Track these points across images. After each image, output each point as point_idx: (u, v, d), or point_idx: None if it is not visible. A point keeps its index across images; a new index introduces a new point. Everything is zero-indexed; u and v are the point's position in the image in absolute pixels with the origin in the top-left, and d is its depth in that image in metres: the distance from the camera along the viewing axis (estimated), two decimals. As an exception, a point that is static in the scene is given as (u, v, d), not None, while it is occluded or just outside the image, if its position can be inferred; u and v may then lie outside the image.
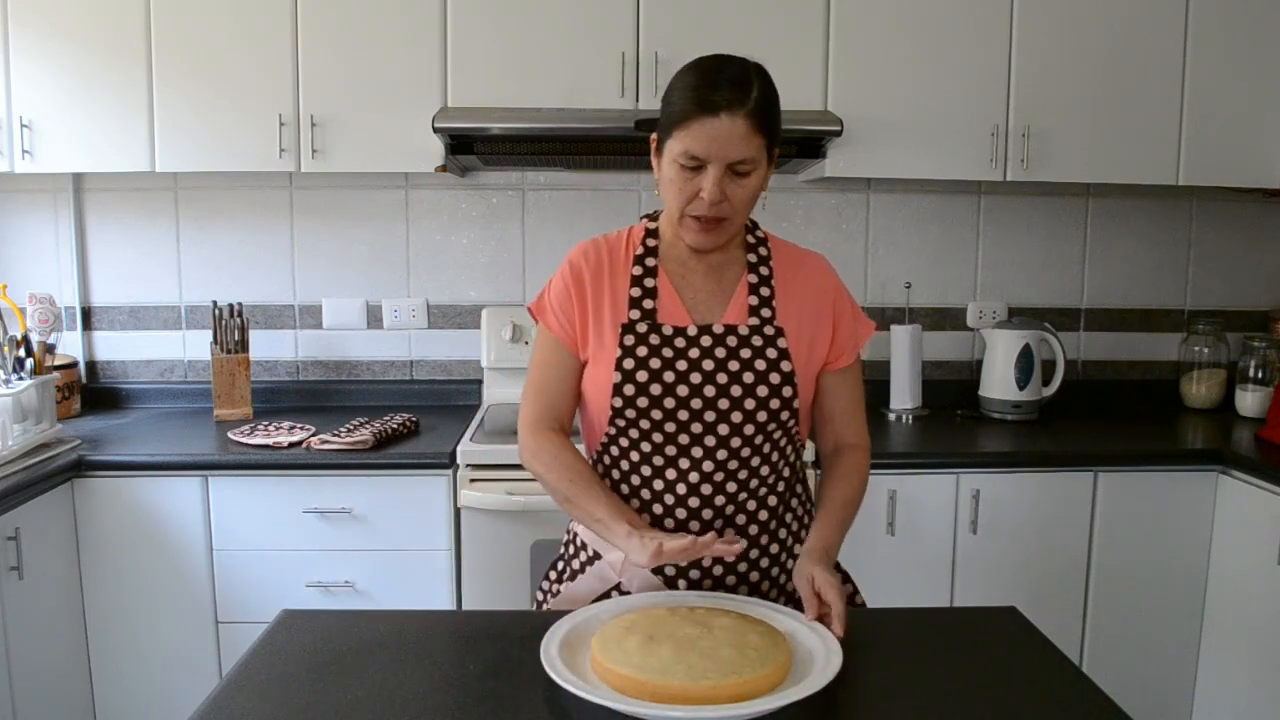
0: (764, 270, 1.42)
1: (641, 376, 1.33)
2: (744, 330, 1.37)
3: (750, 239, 1.46)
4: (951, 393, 2.85)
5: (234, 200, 2.80)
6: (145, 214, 2.80)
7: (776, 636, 1.09)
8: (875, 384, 2.84)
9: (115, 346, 2.85)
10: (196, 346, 2.84)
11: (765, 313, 1.39)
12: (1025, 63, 2.48)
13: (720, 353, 1.35)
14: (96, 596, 2.24)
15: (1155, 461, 2.32)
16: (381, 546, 2.26)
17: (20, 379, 2.24)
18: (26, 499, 2.01)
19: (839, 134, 2.39)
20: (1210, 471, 2.32)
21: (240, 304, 2.70)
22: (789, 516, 1.42)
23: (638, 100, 2.41)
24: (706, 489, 1.34)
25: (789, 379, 1.35)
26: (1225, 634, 2.30)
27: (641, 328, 1.36)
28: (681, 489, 1.34)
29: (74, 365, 2.74)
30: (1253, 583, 2.19)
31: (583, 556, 1.43)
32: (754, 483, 1.36)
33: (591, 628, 1.15)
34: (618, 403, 1.33)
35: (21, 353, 2.29)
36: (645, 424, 1.33)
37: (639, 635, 1.07)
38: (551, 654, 1.06)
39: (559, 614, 1.21)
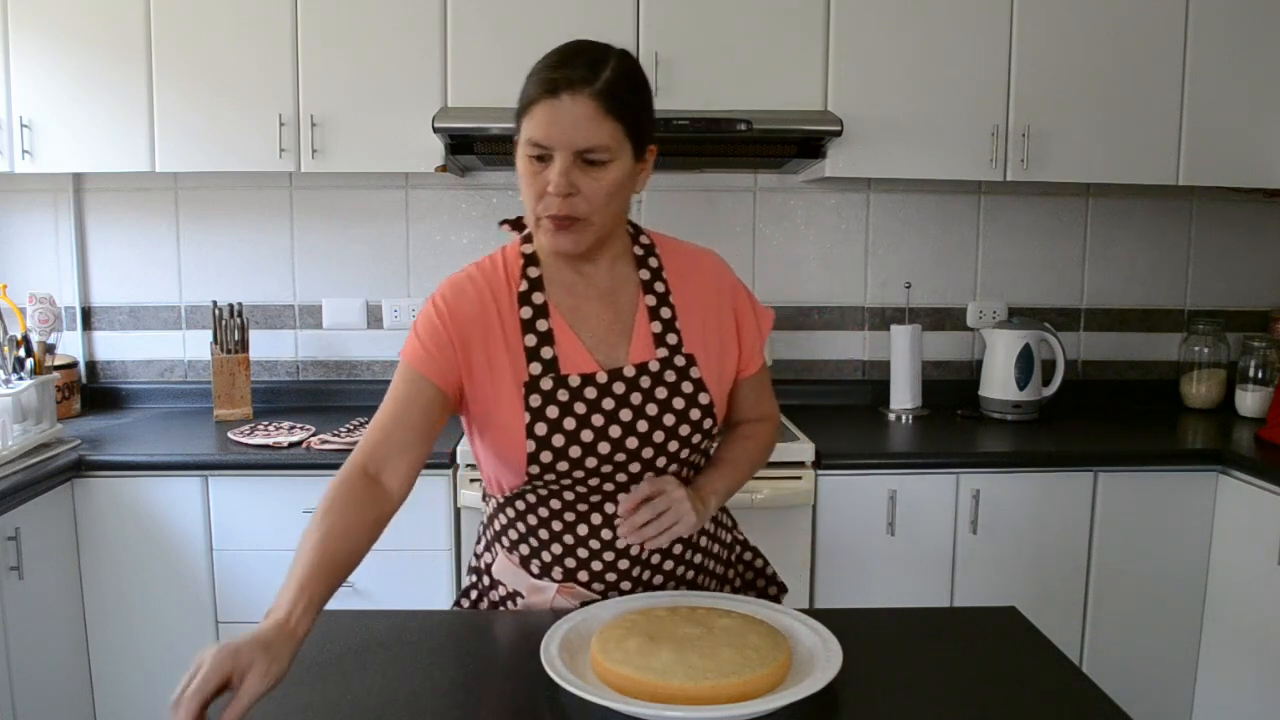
0: (659, 286, 1.31)
1: (558, 441, 1.21)
2: (654, 366, 1.27)
3: (638, 250, 1.33)
4: (951, 393, 2.85)
5: (234, 200, 2.80)
6: (145, 214, 2.80)
7: (776, 637, 1.09)
8: (875, 384, 2.86)
9: (115, 346, 2.85)
10: (196, 346, 2.84)
11: (671, 339, 1.29)
12: (1025, 63, 2.48)
13: (636, 398, 1.25)
14: (96, 596, 2.24)
15: (1155, 461, 2.32)
16: (381, 546, 2.22)
17: (20, 379, 2.24)
18: (26, 499, 2.01)
19: (839, 134, 2.39)
20: (1210, 471, 2.31)
21: (240, 304, 2.70)
22: (701, 539, 1.36)
23: (638, 100, 2.41)
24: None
25: (709, 410, 1.28)
26: (1225, 634, 2.30)
27: (546, 384, 1.23)
28: (606, 534, 1.27)
29: (74, 365, 2.74)
30: (1253, 583, 2.19)
31: (500, 592, 1.37)
32: None
33: (591, 628, 1.15)
34: (534, 470, 1.22)
35: (21, 353, 2.29)
36: (565, 482, 1.24)
37: (639, 635, 1.07)
38: (551, 654, 1.06)
39: (559, 614, 1.21)
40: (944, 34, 2.46)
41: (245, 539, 2.24)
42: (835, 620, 1.16)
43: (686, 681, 0.99)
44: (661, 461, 1.27)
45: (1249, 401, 2.69)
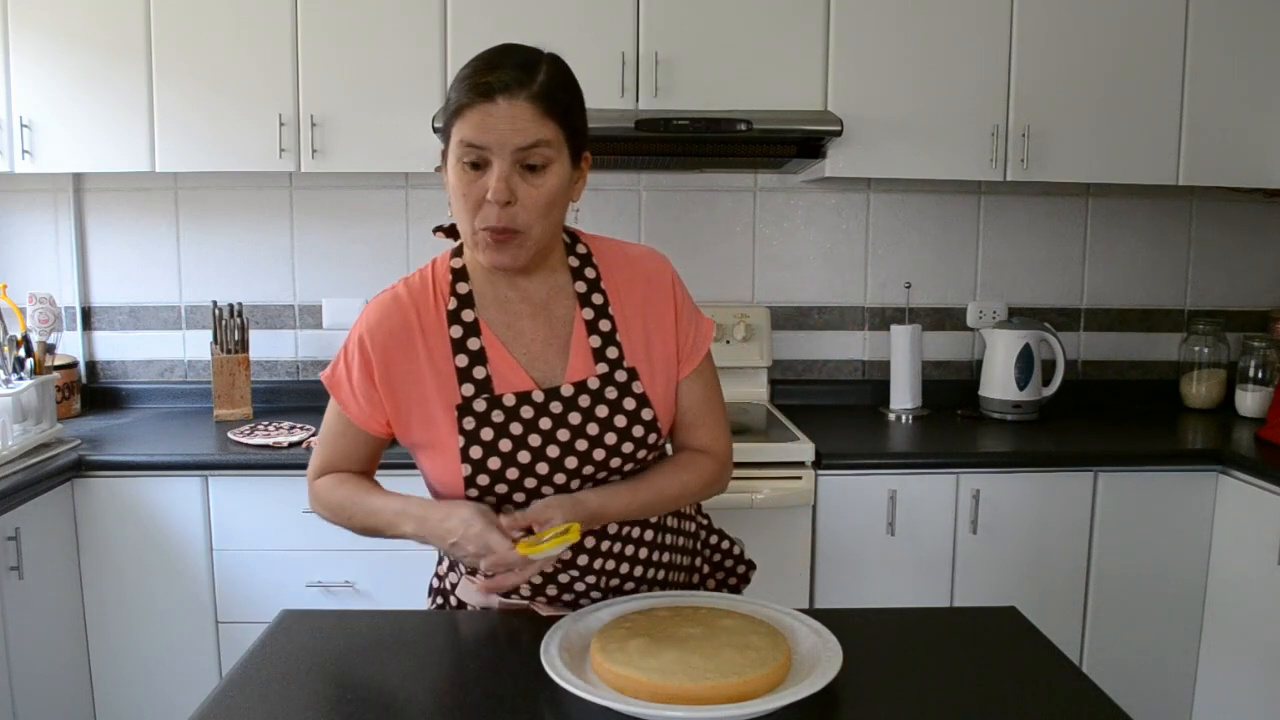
0: (597, 298, 1.25)
1: (494, 464, 1.18)
2: (594, 384, 1.22)
3: (573, 260, 1.27)
4: (951, 393, 2.85)
5: (234, 200, 2.80)
6: (145, 214, 2.80)
7: (777, 637, 1.09)
8: (875, 384, 2.86)
9: (115, 346, 2.85)
10: (196, 346, 2.84)
11: (612, 353, 1.24)
12: (1025, 63, 2.48)
13: (574, 418, 1.20)
14: (96, 596, 2.24)
15: (1155, 461, 2.32)
16: (381, 546, 2.23)
17: (20, 379, 2.24)
18: (26, 499, 2.01)
19: (839, 134, 2.39)
20: (1210, 471, 2.31)
21: (240, 304, 2.70)
22: (667, 536, 1.33)
23: (638, 100, 2.41)
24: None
25: (652, 425, 1.23)
26: (1225, 634, 2.30)
27: (479, 405, 1.19)
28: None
29: (74, 365, 2.74)
30: (1253, 583, 2.19)
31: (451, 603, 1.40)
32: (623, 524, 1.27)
33: (592, 628, 1.15)
34: (473, 493, 1.20)
35: (21, 353, 2.29)
36: (507, 504, 1.22)
37: (640, 636, 1.07)
38: (552, 654, 1.06)
39: (559, 614, 1.21)
40: (944, 34, 2.46)
41: (245, 539, 2.24)
42: (835, 620, 1.16)
43: (687, 682, 0.99)
44: (603, 475, 1.24)
45: (1249, 401, 2.69)
